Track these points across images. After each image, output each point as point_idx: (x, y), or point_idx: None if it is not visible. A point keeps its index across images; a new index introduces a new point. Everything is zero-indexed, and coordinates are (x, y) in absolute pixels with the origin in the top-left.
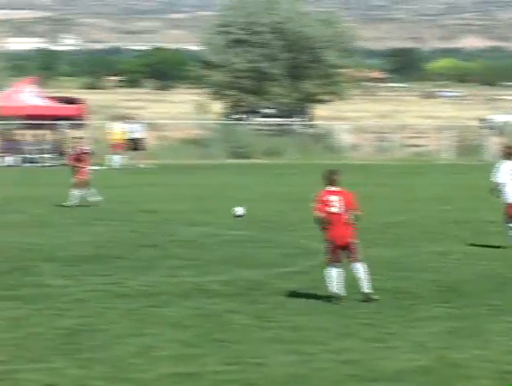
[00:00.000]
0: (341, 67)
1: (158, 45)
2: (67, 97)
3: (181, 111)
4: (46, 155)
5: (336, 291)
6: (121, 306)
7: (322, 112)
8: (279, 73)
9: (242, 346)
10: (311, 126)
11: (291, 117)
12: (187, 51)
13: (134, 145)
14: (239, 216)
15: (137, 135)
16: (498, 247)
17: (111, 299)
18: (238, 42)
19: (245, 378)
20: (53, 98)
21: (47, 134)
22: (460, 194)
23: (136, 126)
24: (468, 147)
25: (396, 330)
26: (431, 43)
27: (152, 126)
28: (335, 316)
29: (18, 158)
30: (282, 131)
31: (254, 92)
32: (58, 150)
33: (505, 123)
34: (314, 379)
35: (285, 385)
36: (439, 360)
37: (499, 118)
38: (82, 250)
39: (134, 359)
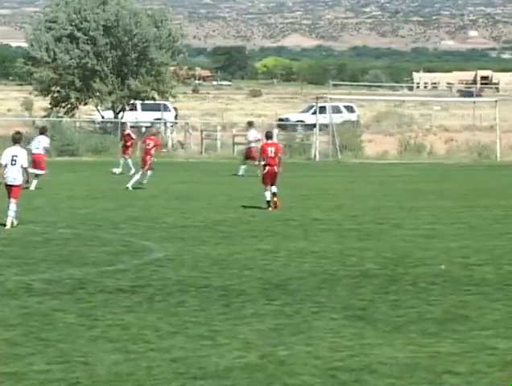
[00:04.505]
0: (168, 65)
1: None
2: None
3: (10, 108)
4: None
5: None
6: None
7: None
8: (106, 70)
9: (68, 345)
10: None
11: None
12: (16, 47)
13: None
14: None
15: None
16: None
17: None
18: (67, 37)
19: (70, 377)
20: None
21: None
22: (287, 192)
23: None
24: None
25: (223, 328)
26: (258, 41)
27: None
28: (162, 314)
29: None
30: (107, 129)
31: (80, 90)
32: None
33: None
34: (141, 378)
35: (111, 383)
36: (266, 357)
37: (295, 117)
38: None
39: None
